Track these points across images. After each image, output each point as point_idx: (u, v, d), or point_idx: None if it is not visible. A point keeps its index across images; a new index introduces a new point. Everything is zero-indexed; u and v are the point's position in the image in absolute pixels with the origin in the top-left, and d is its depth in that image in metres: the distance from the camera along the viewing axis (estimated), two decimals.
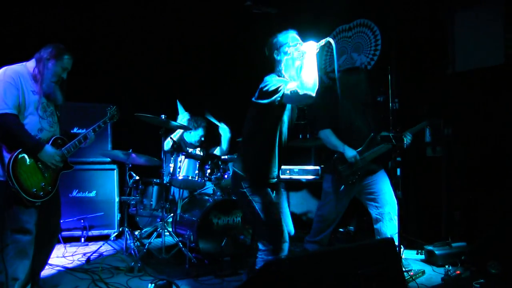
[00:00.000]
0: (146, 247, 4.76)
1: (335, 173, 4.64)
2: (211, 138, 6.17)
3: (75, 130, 5.51)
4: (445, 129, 5.30)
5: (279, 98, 3.06)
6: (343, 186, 4.54)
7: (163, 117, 4.81)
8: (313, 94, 2.97)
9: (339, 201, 4.61)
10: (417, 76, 5.54)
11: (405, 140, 4.28)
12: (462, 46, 5.36)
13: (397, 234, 4.24)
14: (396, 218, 4.33)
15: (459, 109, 5.24)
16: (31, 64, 3.51)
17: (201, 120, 6.04)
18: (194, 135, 6.02)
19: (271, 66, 3.36)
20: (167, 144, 5.36)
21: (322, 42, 3.15)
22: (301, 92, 2.96)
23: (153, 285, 3.39)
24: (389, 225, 4.45)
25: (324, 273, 2.50)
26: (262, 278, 2.50)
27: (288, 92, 3.02)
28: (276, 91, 3.07)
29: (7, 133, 3.32)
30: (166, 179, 5.03)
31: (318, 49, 3.13)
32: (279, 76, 3.26)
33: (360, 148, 4.53)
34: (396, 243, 4.09)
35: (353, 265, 2.60)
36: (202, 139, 6.10)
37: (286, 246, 3.23)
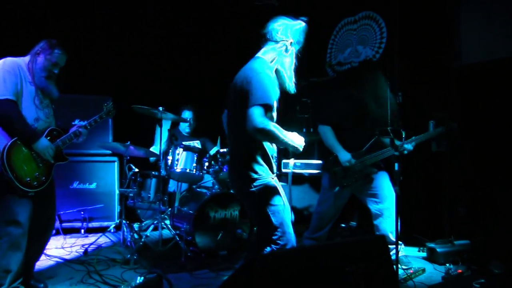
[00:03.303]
0: (143, 239, 4.72)
1: (330, 173, 4.50)
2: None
3: (76, 122, 5.46)
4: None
5: None
6: (337, 188, 4.40)
7: (160, 109, 4.76)
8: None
9: (337, 199, 4.48)
10: (423, 69, 5.41)
11: (406, 147, 4.01)
12: (469, 38, 5.19)
13: (394, 231, 4.15)
14: (394, 214, 4.23)
15: (466, 103, 5.09)
16: (27, 59, 3.54)
17: (187, 108, 6.04)
18: (183, 124, 6.05)
19: (263, 43, 3.09)
20: (164, 136, 5.30)
21: None
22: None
23: (142, 277, 3.33)
24: (388, 221, 4.36)
25: (310, 270, 2.42)
26: (246, 274, 2.43)
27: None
28: None
29: (6, 119, 3.33)
30: (164, 172, 4.98)
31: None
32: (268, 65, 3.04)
33: (360, 151, 4.35)
34: (394, 240, 4.02)
35: (341, 262, 2.51)
36: (192, 125, 6.09)
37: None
